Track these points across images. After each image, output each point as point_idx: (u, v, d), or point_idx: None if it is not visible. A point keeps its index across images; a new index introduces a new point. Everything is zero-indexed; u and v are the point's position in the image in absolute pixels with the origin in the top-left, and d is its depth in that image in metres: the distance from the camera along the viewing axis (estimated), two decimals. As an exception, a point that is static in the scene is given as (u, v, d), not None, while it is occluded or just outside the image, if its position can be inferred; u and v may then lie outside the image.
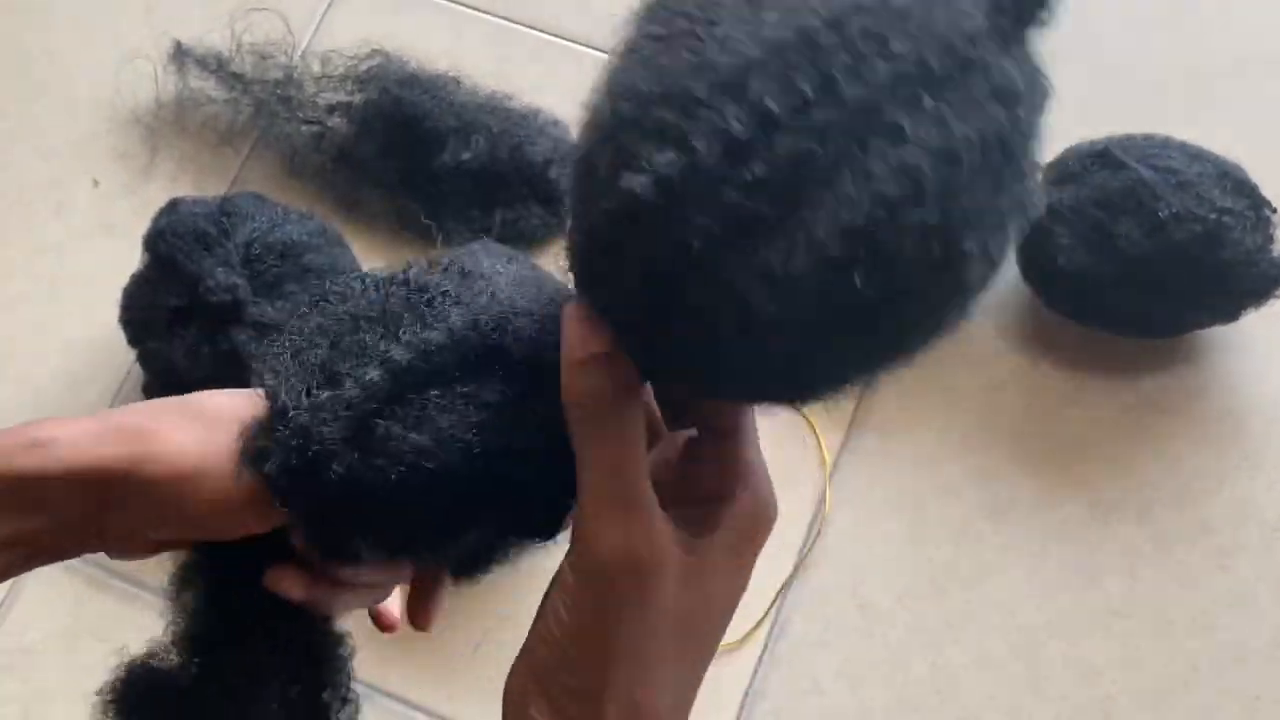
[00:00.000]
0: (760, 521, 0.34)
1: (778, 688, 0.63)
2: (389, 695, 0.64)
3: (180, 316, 0.65)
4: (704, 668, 0.34)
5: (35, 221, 0.76)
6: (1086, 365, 0.68)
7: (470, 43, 0.79)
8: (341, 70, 0.74)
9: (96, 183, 0.78)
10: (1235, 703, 0.61)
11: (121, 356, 0.69)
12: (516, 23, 0.79)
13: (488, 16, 0.79)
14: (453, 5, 0.79)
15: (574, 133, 0.69)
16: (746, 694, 0.63)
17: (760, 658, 0.64)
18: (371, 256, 0.72)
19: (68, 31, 0.80)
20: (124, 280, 0.68)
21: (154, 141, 0.77)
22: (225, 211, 0.66)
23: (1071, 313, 0.66)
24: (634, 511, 0.31)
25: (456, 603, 0.65)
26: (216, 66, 0.74)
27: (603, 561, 0.32)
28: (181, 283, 0.64)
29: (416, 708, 0.64)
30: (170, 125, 0.77)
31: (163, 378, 0.67)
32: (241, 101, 0.74)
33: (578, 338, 0.30)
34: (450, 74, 0.73)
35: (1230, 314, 0.63)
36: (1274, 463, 0.65)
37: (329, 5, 0.80)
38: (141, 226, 0.67)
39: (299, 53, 0.76)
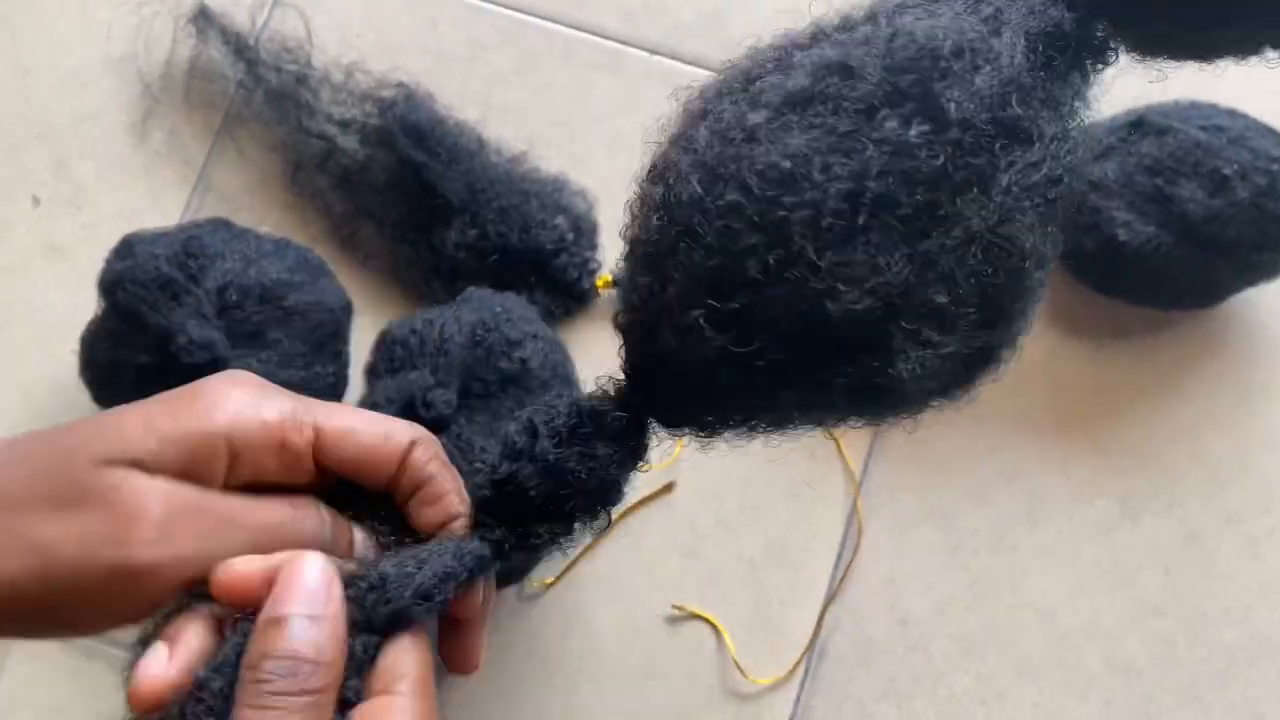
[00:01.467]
0: None
1: (822, 714, 0.62)
2: None
3: (150, 374, 0.58)
4: None
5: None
6: (1107, 354, 0.67)
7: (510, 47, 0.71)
8: (363, 88, 0.66)
9: (37, 200, 0.70)
10: (1273, 692, 0.62)
11: (86, 396, 0.62)
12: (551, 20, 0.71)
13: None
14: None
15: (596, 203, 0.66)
16: (792, 721, 0.62)
17: (802, 684, 0.62)
18: (360, 293, 0.65)
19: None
20: (79, 309, 0.62)
21: (150, 107, 0.70)
22: (190, 252, 0.59)
23: (1124, 292, 0.64)
24: None
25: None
26: (238, 44, 0.66)
27: None
28: (149, 337, 0.58)
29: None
30: (173, 91, 0.70)
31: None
32: (255, 92, 0.66)
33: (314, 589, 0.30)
34: (475, 130, 0.66)
35: (1274, 271, 0.62)
36: (1296, 444, 0.65)
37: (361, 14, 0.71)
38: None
39: (321, 56, 0.69)
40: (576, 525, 0.35)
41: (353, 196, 0.67)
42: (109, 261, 0.61)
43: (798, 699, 0.62)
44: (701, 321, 0.31)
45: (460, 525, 0.35)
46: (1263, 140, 0.60)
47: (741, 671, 0.62)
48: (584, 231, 0.67)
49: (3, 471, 0.31)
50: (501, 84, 0.71)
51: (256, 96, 0.68)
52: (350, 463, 0.34)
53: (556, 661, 0.63)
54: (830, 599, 0.63)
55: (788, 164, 0.30)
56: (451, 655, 0.36)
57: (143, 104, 0.71)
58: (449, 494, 0.35)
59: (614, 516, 0.64)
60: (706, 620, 0.63)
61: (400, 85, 0.66)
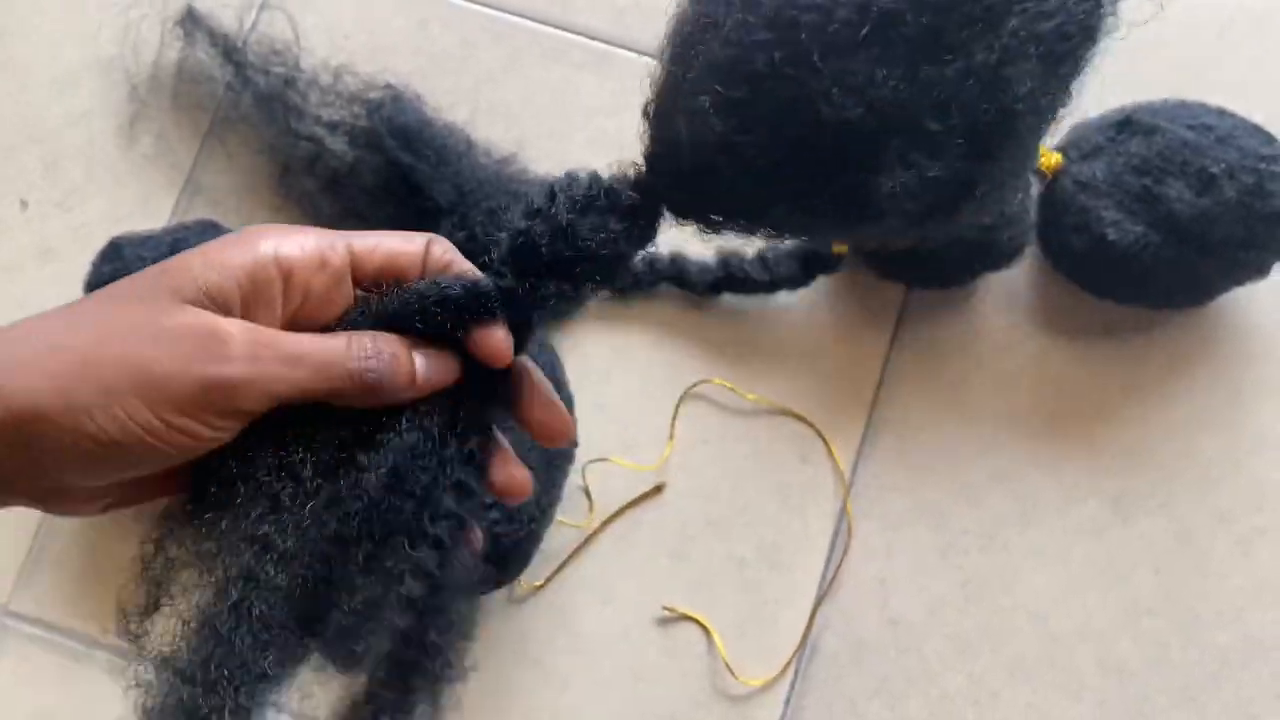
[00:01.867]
0: None
1: (813, 714, 0.62)
2: None
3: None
4: None
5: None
6: (1098, 353, 0.66)
7: (495, 45, 0.71)
8: (351, 90, 0.66)
9: (25, 204, 0.70)
10: (1265, 693, 0.62)
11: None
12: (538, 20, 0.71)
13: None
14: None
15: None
16: (782, 723, 0.62)
17: (793, 684, 0.62)
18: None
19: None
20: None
21: (138, 109, 0.70)
22: (178, 253, 0.59)
23: (1112, 292, 0.64)
24: None
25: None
26: (225, 46, 0.66)
27: None
28: (136, 339, 0.57)
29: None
30: (161, 93, 0.71)
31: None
32: (243, 94, 0.66)
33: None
34: (464, 132, 0.65)
35: (1263, 269, 0.62)
36: (1288, 443, 0.65)
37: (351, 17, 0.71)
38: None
39: (309, 58, 0.69)
40: (582, 289, 0.38)
41: (341, 198, 0.67)
42: (95, 264, 0.60)
43: (788, 699, 0.62)
44: (708, 106, 0.33)
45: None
46: (1250, 139, 0.60)
47: (732, 672, 0.62)
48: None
49: (94, 307, 0.34)
50: (491, 84, 0.71)
51: (244, 99, 0.68)
52: (383, 268, 0.37)
53: (547, 663, 0.63)
54: (821, 599, 0.63)
55: None
56: (534, 425, 0.39)
57: (131, 106, 0.70)
58: (469, 271, 0.39)
59: (605, 517, 0.64)
60: (696, 621, 0.63)
61: (388, 87, 0.66)
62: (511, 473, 0.39)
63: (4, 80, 0.72)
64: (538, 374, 0.39)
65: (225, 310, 0.34)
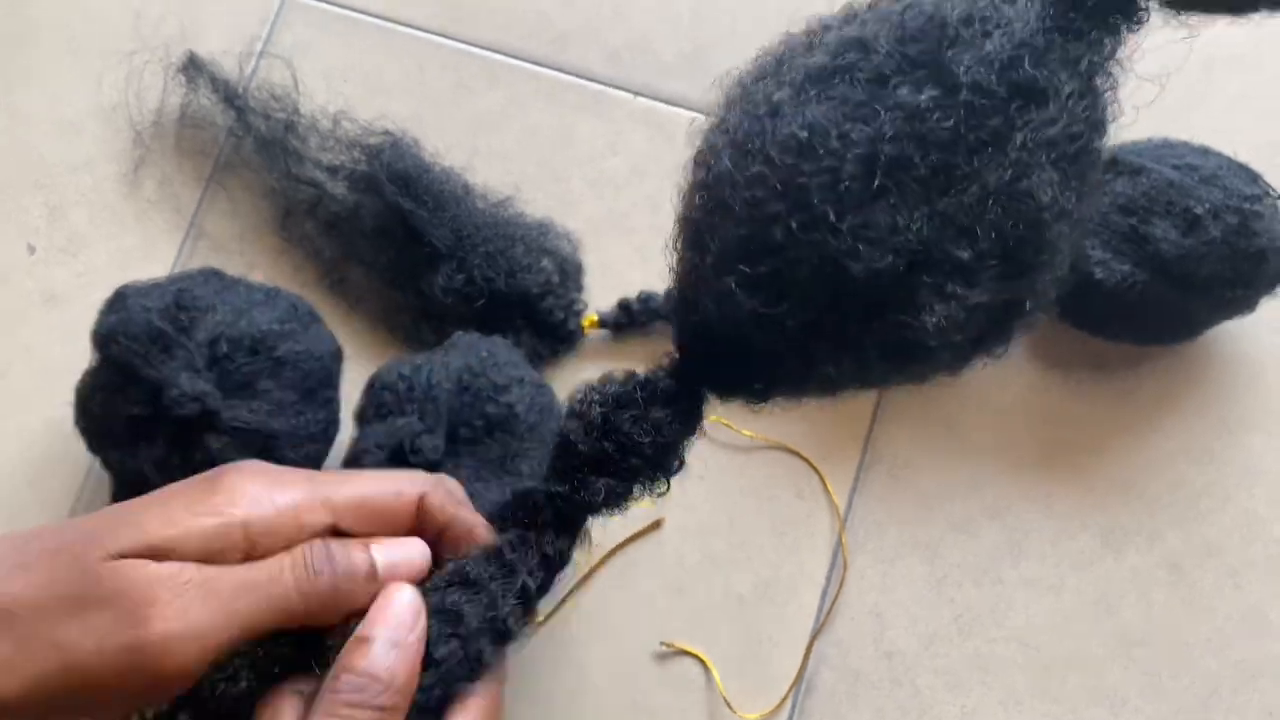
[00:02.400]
0: None
1: (812, 748, 0.63)
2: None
3: (144, 425, 0.59)
4: None
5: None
6: (1088, 388, 0.67)
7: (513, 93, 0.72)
8: (351, 135, 0.67)
9: (32, 249, 0.71)
10: (1254, 723, 0.63)
11: (83, 444, 0.63)
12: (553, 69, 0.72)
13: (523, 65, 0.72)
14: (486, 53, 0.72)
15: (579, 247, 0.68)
16: (780, 756, 0.63)
17: (790, 716, 0.63)
18: (350, 338, 0.67)
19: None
20: (76, 355, 0.63)
21: (142, 155, 0.72)
22: (181, 304, 0.60)
23: (1100, 329, 0.65)
24: None
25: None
26: (227, 92, 0.68)
27: None
28: (141, 390, 0.59)
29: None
30: (164, 139, 0.72)
31: (131, 489, 0.62)
32: (245, 139, 0.68)
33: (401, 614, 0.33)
34: (461, 177, 0.67)
35: (1250, 305, 0.63)
36: (1274, 475, 0.66)
37: (342, 78, 0.73)
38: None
39: (309, 103, 0.70)
40: (635, 487, 0.37)
41: (342, 242, 0.68)
42: (102, 314, 0.61)
43: (786, 734, 0.63)
44: (734, 287, 0.33)
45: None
46: (1235, 179, 0.61)
47: (730, 706, 0.63)
48: (569, 274, 0.68)
49: (23, 575, 0.32)
50: (488, 126, 0.72)
51: (246, 144, 0.69)
52: (367, 523, 0.35)
53: (547, 698, 0.64)
54: (817, 633, 0.64)
55: (805, 134, 0.32)
56: None
57: (135, 152, 0.72)
58: (476, 527, 0.37)
59: (604, 553, 0.65)
60: (695, 656, 0.64)
61: (386, 133, 0.67)
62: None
63: (8, 126, 0.73)
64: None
65: (171, 559, 0.32)
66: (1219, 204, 0.60)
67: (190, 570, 0.32)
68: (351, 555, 0.34)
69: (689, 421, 0.38)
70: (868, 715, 0.63)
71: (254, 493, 0.33)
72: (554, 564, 0.39)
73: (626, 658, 0.64)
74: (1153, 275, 0.61)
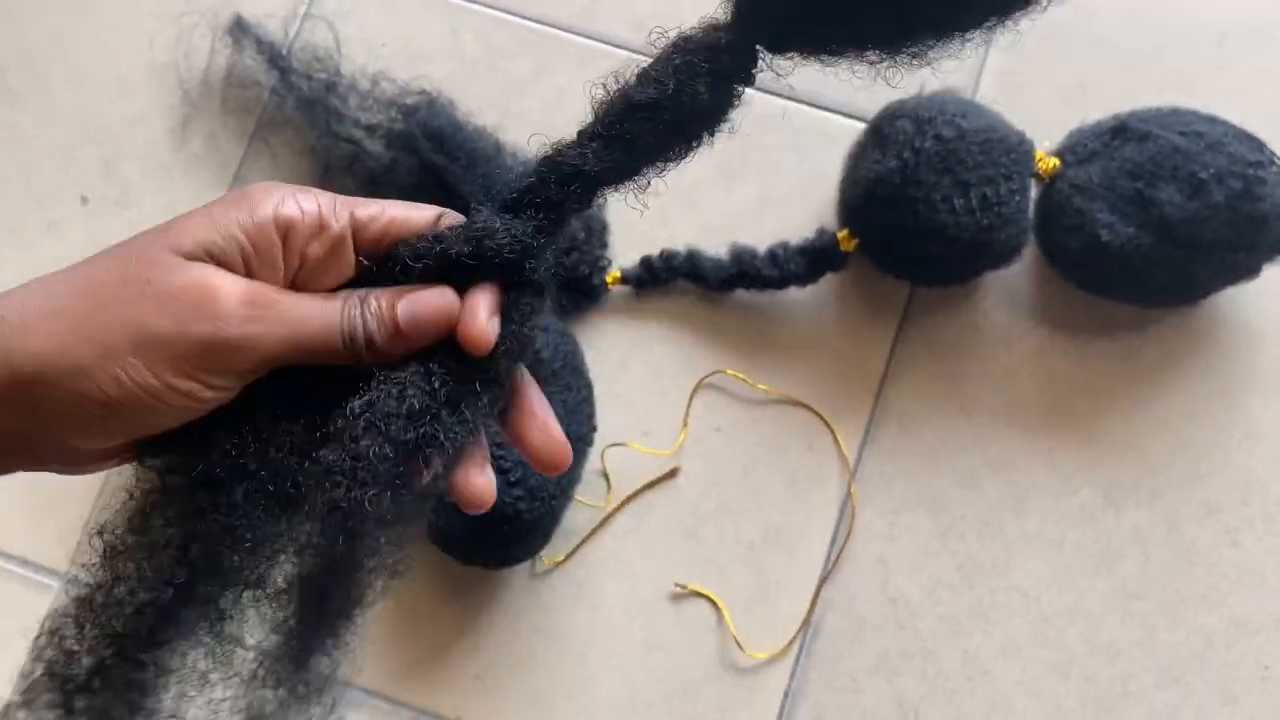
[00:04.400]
0: None
1: (816, 688, 0.66)
2: (400, 703, 0.66)
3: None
4: None
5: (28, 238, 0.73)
6: (1094, 349, 0.69)
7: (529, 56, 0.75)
8: (388, 95, 0.70)
9: (85, 200, 0.75)
10: (1247, 674, 0.65)
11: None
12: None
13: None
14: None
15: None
16: (786, 695, 0.66)
17: (797, 659, 0.66)
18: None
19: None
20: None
21: (190, 112, 0.75)
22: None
23: (1106, 290, 0.67)
24: None
25: (459, 635, 0.66)
26: (271, 53, 0.71)
27: None
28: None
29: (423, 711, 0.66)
30: (211, 97, 0.75)
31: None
32: (287, 98, 0.71)
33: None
34: (492, 136, 0.70)
35: (1253, 270, 0.65)
36: (1273, 438, 0.68)
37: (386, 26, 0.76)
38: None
39: (349, 65, 0.73)
40: (686, 144, 0.36)
41: (379, 197, 0.71)
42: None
43: (793, 673, 0.66)
44: None
45: None
46: (1239, 146, 0.63)
47: (740, 646, 0.66)
48: (594, 231, 0.70)
49: (95, 269, 0.34)
50: (519, 90, 0.75)
51: (288, 103, 0.72)
52: (385, 235, 0.37)
53: (566, 635, 0.67)
54: (824, 579, 0.67)
55: None
56: (531, 449, 0.38)
57: (183, 109, 0.75)
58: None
59: (622, 498, 0.68)
60: (707, 598, 0.67)
61: (422, 93, 0.70)
62: (551, 436, 0.38)
63: (67, 85, 0.77)
64: (538, 398, 0.38)
65: (227, 267, 0.34)
66: (1223, 169, 0.62)
67: (256, 286, 0.34)
68: (384, 310, 0.35)
69: (743, 78, 0.36)
70: (872, 658, 0.66)
71: (280, 195, 0.35)
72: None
73: (642, 598, 0.67)
74: (1157, 238, 0.63)
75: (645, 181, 0.37)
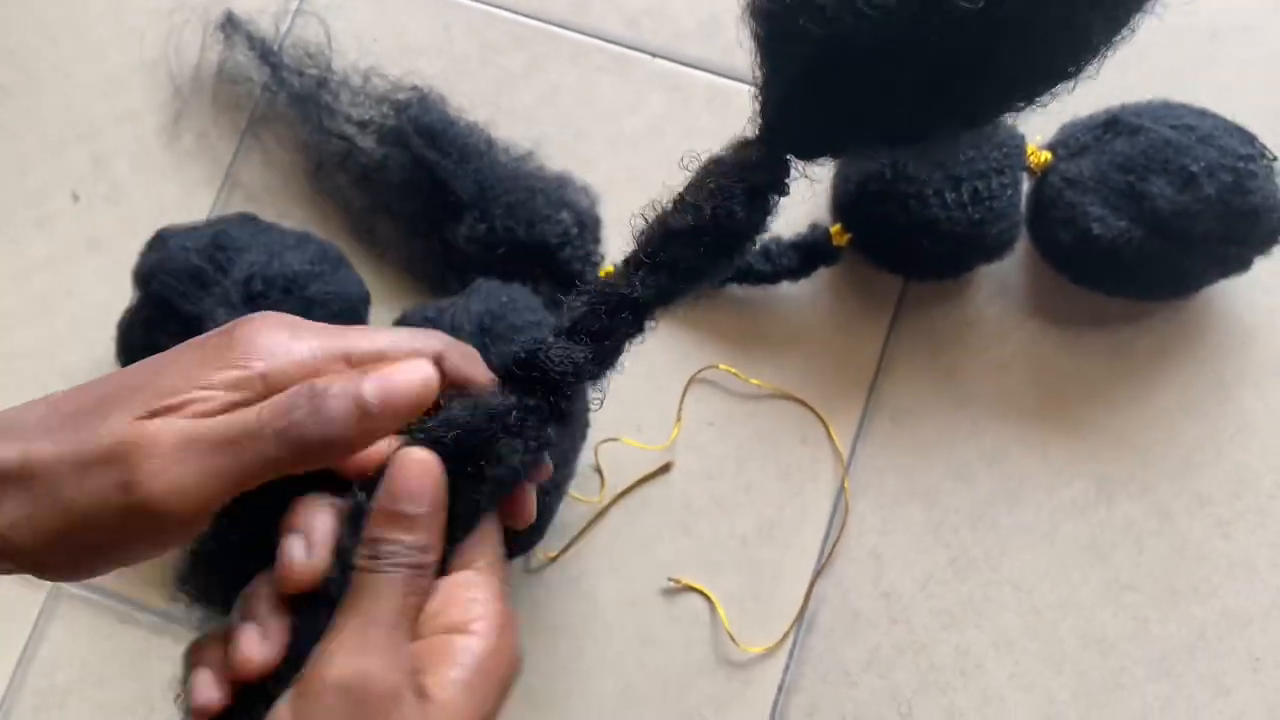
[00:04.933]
0: (496, 665, 0.34)
1: (810, 682, 0.66)
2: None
3: (183, 358, 0.63)
4: None
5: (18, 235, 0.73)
6: (1086, 343, 0.70)
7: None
8: (380, 91, 0.70)
9: (77, 197, 0.75)
10: (1239, 666, 0.65)
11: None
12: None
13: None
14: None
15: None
16: (780, 689, 0.66)
17: (791, 652, 0.66)
18: (378, 284, 0.70)
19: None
20: (117, 298, 0.66)
21: (181, 108, 0.75)
22: (219, 245, 0.63)
23: (1098, 283, 0.67)
24: (382, 635, 0.32)
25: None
26: (262, 49, 0.71)
27: (332, 684, 0.31)
28: (180, 324, 0.62)
29: None
30: (202, 93, 0.75)
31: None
32: (279, 94, 0.71)
33: (416, 488, 0.33)
34: (485, 131, 0.70)
35: (1244, 264, 0.65)
36: (1266, 431, 0.68)
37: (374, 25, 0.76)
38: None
39: (341, 61, 0.73)
40: (729, 260, 0.37)
41: (370, 193, 0.71)
42: (143, 254, 0.65)
43: (786, 667, 0.66)
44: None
45: None
46: (1230, 139, 0.63)
47: (734, 640, 0.66)
48: (587, 226, 0.70)
49: (47, 437, 0.33)
50: (511, 86, 0.75)
51: (280, 99, 0.72)
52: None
53: (560, 629, 0.67)
54: (818, 573, 0.67)
55: None
56: (510, 510, 0.38)
57: (174, 106, 0.75)
58: (485, 382, 0.37)
59: (616, 493, 0.68)
60: (701, 592, 0.67)
61: (414, 89, 0.70)
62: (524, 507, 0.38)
63: (56, 81, 0.76)
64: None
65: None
66: (1214, 163, 0.62)
67: (175, 426, 0.32)
68: (330, 393, 0.32)
69: (777, 189, 0.36)
70: (865, 652, 0.66)
71: (270, 343, 0.33)
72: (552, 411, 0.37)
73: (635, 592, 0.67)
74: (1149, 231, 0.63)
75: (694, 299, 0.38)
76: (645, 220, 0.38)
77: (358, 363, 0.34)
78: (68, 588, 0.69)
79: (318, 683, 0.31)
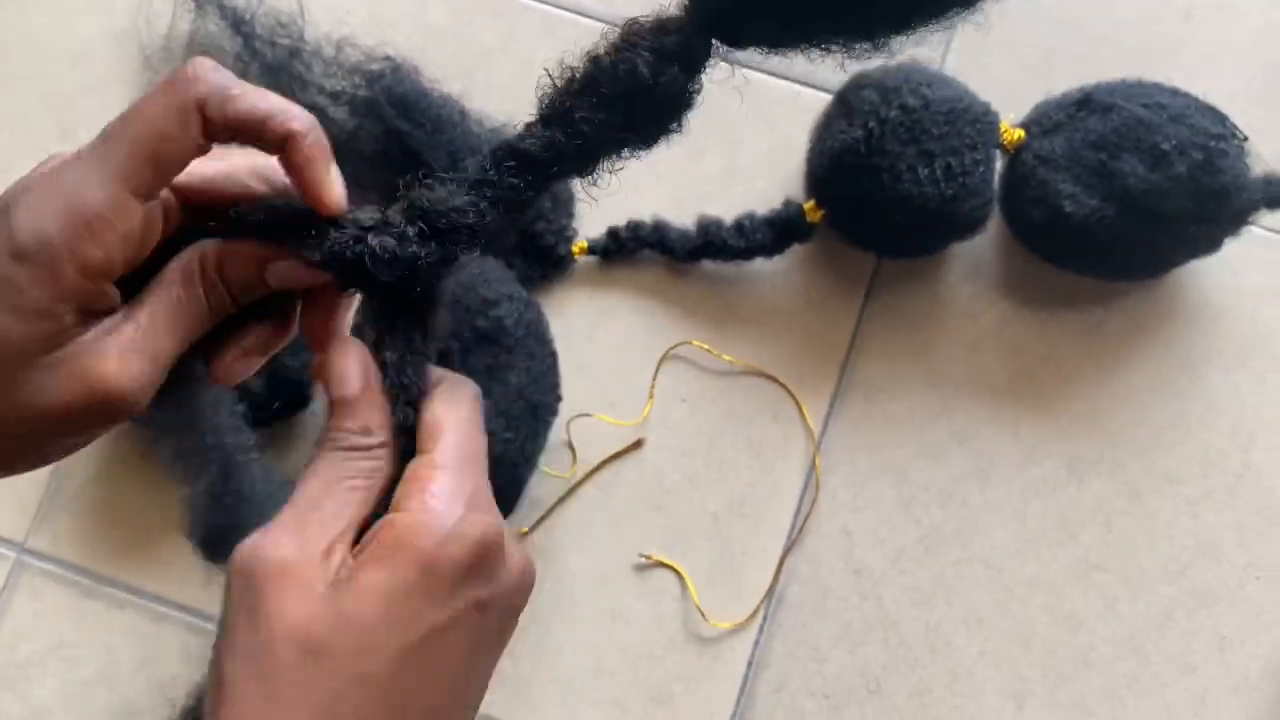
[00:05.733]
0: (414, 551, 0.33)
1: (779, 657, 0.66)
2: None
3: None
4: None
5: None
6: (1058, 322, 0.70)
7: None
8: (353, 62, 0.70)
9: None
10: (1206, 644, 0.65)
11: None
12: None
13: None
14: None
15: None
16: (750, 664, 0.66)
17: (761, 628, 0.66)
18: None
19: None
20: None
21: (151, 79, 0.74)
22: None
23: (1070, 262, 0.67)
24: (290, 515, 0.34)
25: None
26: (235, 19, 0.70)
27: (233, 567, 0.33)
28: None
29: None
30: (173, 63, 0.74)
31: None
32: (251, 64, 0.70)
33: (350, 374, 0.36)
34: (458, 102, 0.69)
35: (1214, 244, 0.65)
36: (1233, 412, 0.68)
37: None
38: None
39: (314, 31, 0.72)
40: (636, 133, 0.37)
41: (342, 164, 0.70)
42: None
43: (756, 642, 0.66)
44: None
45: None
46: (1202, 118, 0.63)
47: (704, 616, 0.66)
48: (561, 201, 0.70)
49: None
50: (487, 59, 0.74)
51: (252, 69, 0.71)
52: (203, 193, 0.37)
53: (531, 605, 0.66)
54: (789, 550, 0.67)
55: None
56: (312, 328, 0.39)
57: (144, 76, 0.74)
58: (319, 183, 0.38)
59: (588, 469, 0.67)
60: (672, 568, 0.67)
61: (387, 59, 0.69)
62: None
63: (24, 51, 0.75)
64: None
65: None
66: (1185, 141, 0.62)
67: (125, 333, 0.35)
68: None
69: (690, 65, 0.35)
70: (835, 628, 0.66)
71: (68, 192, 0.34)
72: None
73: (607, 568, 0.67)
74: (1120, 209, 0.63)
75: (599, 172, 0.37)
76: (551, 78, 0.36)
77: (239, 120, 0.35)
78: (32, 561, 0.68)
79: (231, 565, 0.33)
